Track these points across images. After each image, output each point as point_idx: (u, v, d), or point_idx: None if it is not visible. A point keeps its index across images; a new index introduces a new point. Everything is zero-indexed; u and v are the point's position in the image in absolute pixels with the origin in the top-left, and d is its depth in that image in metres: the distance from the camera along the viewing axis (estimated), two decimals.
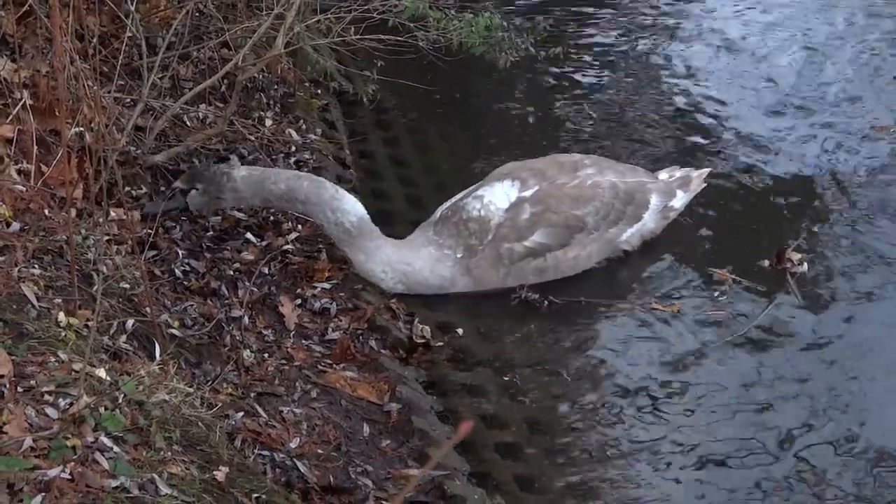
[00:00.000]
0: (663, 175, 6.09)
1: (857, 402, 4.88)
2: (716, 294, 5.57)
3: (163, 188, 5.54)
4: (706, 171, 6.22)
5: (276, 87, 6.85)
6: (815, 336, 5.30)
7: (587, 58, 8.19)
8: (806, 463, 4.55)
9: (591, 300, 5.52)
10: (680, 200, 5.98)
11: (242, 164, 5.91)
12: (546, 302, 5.45)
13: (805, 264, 5.72)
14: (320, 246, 5.55)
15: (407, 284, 5.47)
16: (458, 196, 5.73)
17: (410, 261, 5.45)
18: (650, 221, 5.83)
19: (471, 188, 5.74)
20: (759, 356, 5.16)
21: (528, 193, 5.56)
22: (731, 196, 6.44)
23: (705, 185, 6.14)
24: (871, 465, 4.53)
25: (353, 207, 5.36)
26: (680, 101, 7.55)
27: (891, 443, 4.65)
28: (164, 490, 3.21)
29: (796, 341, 5.27)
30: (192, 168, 5.45)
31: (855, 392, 4.94)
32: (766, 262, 5.76)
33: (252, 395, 4.35)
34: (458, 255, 5.47)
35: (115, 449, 3.26)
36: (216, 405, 3.91)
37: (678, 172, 6.13)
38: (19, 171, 4.61)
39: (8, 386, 3.33)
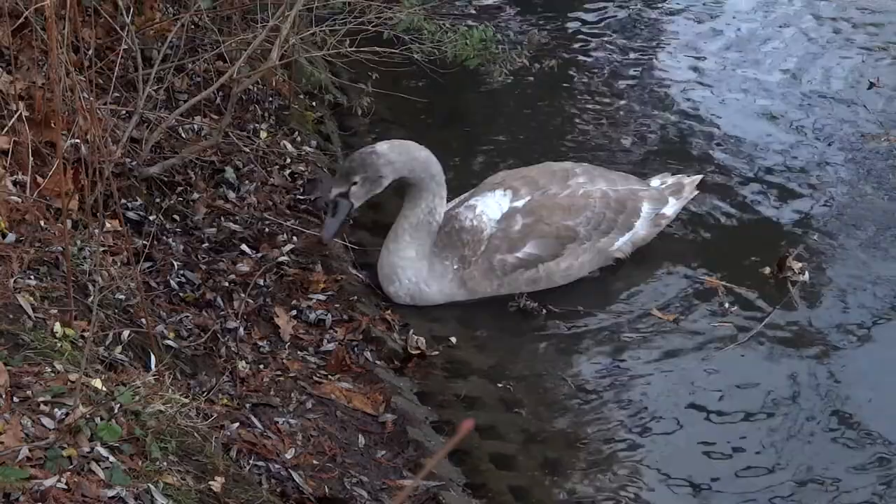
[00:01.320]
0: (655, 182, 6.10)
1: (860, 409, 4.88)
2: (714, 302, 5.58)
3: (157, 199, 5.53)
4: (698, 177, 6.23)
5: (271, 99, 6.85)
6: (816, 343, 5.30)
7: (581, 70, 8.21)
8: (809, 471, 4.55)
9: (589, 309, 5.53)
10: (672, 208, 5.98)
11: (237, 176, 5.93)
12: (544, 311, 5.46)
13: (806, 273, 5.72)
14: (315, 257, 5.55)
15: (414, 300, 5.51)
16: (450, 204, 5.74)
17: (430, 285, 5.50)
18: (642, 229, 5.84)
19: (463, 196, 5.76)
20: (761, 366, 5.16)
21: (519, 204, 5.58)
22: (725, 203, 6.45)
23: (697, 192, 6.15)
24: (876, 473, 4.54)
25: (444, 209, 5.55)
26: (673, 109, 7.57)
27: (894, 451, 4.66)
28: (160, 500, 3.22)
29: (798, 349, 5.27)
30: (329, 173, 5.60)
31: (858, 399, 4.94)
32: (768, 270, 5.76)
33: (247, 405, 4.35)
34: (455, 267, 5.49)
35: (111, 459, 3.26)
36: (212, 416, 3.91)
37: (670, 179, 6.14)
38: (15, 183, 4.61)
39: (4, 396, 3.34)
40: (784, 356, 5.22)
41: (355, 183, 5.36)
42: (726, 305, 5.55)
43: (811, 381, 5.05)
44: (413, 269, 5.47)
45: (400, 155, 5.42)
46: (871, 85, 7.77)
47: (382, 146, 5.44)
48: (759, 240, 6.15)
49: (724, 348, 5.27)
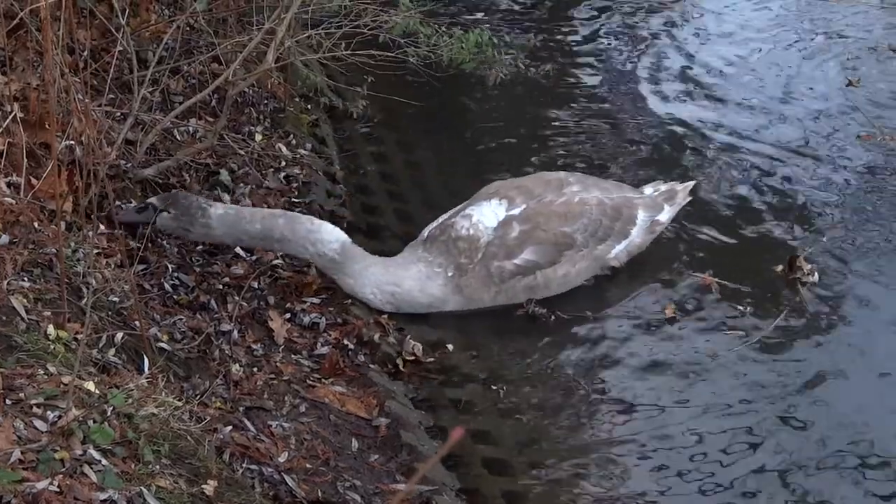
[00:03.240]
0: (648, 189, 6.09)
1: (868, 409, 4.89)
2: (722, 305, 5.57)
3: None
4: (691, 183, 6.22)
5: (266, 101, 6.86)
6: (823, 346, 5.31)
7: (577, 74, 8.22)
8: (814, 473, 4.55)
9: (596, 314, 5.52)
10: (666, 214, 5.97)
11: (232, 179, 5.93)
12: (553, 316, 5.46)
13: (816, 273, 5.71)
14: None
15: (396, 305, 5.45)
16: (445, 216, 5.71)
17: (399, 281, 5.42)
18: (637, 237, 5.83)
19: (458, 207, 5.73)
20: (771, 368, 5.15)
21: (516, 212, 5.56)
22: (726, 207, 6.46)
23: (690, 198, 6.14)
24: (881, 477, 4.54)
25: (331, 235, 5.31)
26: (667, 115, 7.58)
27: None
28: (153, 503, 3.21)
29: (806, 351, 5.27)
30: (175, 192, 5.34)
31: (868, 399, 4.95)
32: (780, 267, 5.75)
33: (241, 409, 4.34)
34: (449, 274, 5.46)
35: (104, 462, 3.25)
36: (205, 419, 3.90)
37: (663, 186, 6.13)
38: (9, 184, 4.60)
39: None
40: (793, 358, 5.20)
41: (168, 212, 5.15)
42: (740, 308, 5.54)
43: (820, 383, 5.04)
44: (370, 285, 5.37)
45: (223, 225, 5.19)
46: (849, 83, 7.81)
47: (217, 209, 5.20)
48: (762, 242, 6.14)
49: (733, 350, 5.26)
